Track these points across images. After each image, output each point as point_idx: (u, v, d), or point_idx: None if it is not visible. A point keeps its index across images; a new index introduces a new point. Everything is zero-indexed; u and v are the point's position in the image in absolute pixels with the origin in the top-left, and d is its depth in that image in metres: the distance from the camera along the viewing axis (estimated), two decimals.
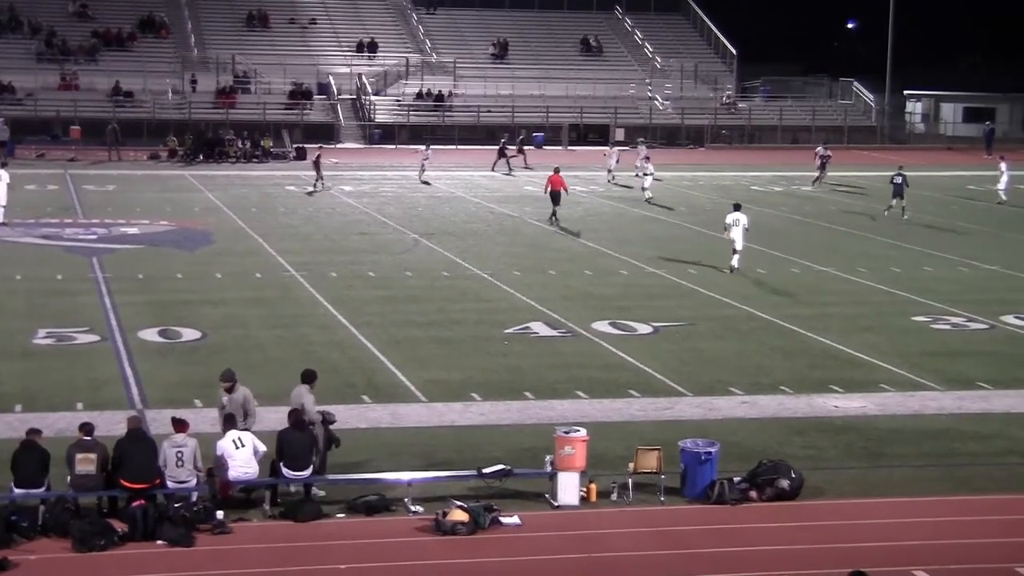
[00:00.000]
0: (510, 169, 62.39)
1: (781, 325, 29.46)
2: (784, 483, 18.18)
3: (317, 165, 54.88)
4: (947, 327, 29.53)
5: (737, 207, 37.58)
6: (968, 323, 29.89)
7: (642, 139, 69.66)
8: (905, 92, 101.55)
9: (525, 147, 68.81)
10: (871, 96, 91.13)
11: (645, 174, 53.91)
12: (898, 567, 15.72)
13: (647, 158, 55.93)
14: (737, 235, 36.43)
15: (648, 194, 52.11)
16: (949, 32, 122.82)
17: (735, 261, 36.21)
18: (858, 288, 34.43)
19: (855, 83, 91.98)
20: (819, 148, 61.38)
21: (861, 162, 71.35)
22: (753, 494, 18.09)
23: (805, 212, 50.37)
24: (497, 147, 64.17)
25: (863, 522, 17.43)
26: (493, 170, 62.37)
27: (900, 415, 22.56)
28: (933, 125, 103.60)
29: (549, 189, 46.02)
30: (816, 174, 59.18)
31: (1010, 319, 30.14)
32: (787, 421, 22.12)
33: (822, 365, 25.91)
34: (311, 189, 54.12)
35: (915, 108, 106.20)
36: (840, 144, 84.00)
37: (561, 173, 46.60)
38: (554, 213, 45.69)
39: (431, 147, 62.15)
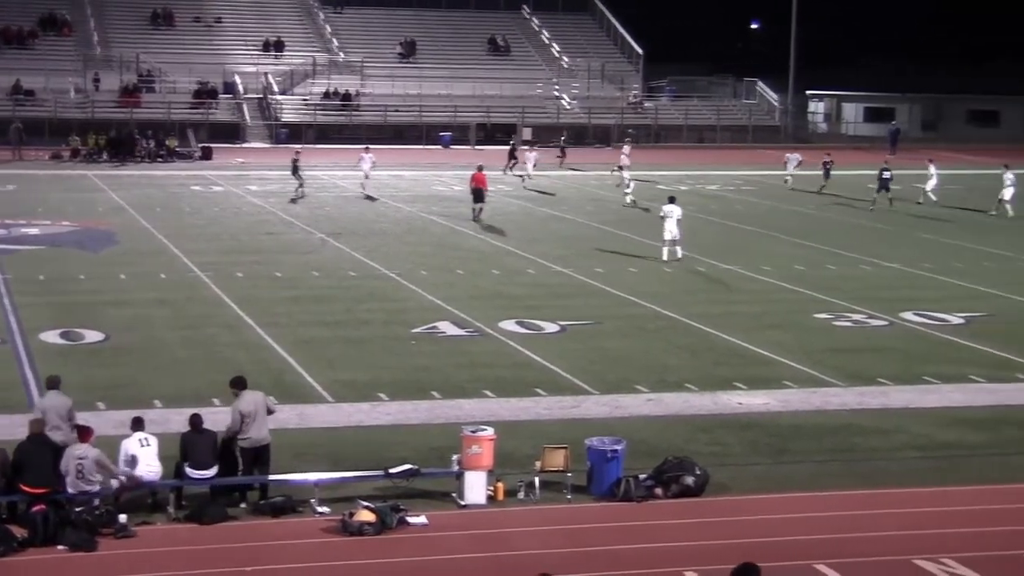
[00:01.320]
0: (509, 169, 61.97)
1: (687, 323, 29.72)
2: (689, 480, 18.34)
3: (295, 168, 52.49)
4: (849, 324, 29.95)
5: (672, 200, 38.86)
6: (869, 320, 30.33)
7: (628, 137, 69.92)
8: (808, 92, 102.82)
9: (566, 147, 68.58)
10: (775, 96, 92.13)
11: (619, 168, 54.97)
12: (801, 561, 15.93)
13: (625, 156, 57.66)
14: (672, 226, 37.71)
15: (629, 198, 51.49)
16: (851, 33, 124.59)
17: (675, 251, 37.72)
18: (763, 286, 34.81)
19: (759, 83, 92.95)
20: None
21: (765, 161, 72.00)
22: (659, 491, 18.23)
23: (711, 211, 50.79)
24: (507, 148, 64.35)
25: (767, 517, 17.63)
26: (505, 172, 61.55)
27: (803, 411, 22.84)
28: (835, 124, 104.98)
29: (472, 186, 46.40)
30: (823, 182, 58.11)
31: (909, 316, 30.62)
32: (692, 418, 22.31)
33: (727, 362, 26.17)
34: (294, 196, 51.62)
35: (818, 108, 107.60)
36: (744, 143, 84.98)
37: (484, 172, 47.14)
38: (479, 210, 46.05)
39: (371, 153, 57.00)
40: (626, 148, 62.33)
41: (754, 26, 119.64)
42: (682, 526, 17.33)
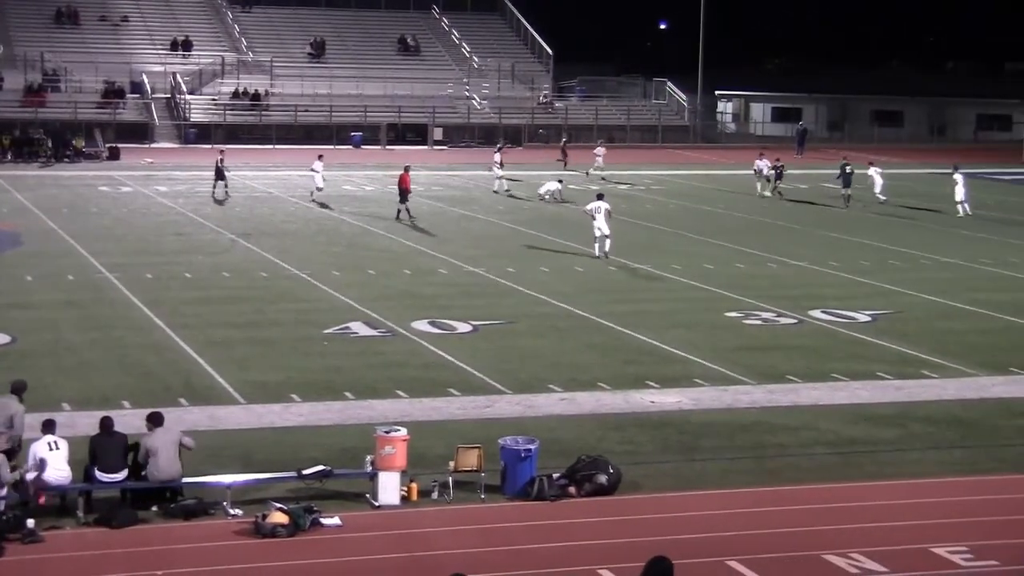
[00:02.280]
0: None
1: (598, 322, 29.86)
2: (602, 478, 18.43)
3: (219, 170, 51.33)
4: (758, 322, 30.24)
5: (600, 196, 39.75)
6: (778, 318, 30.64)
7: (602, 139, 70.49)
8: (717, 92, 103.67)
9: (568, 147, 68.66)
10: (684, 96, 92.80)
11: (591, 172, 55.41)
12: (712, 558, 16.06)
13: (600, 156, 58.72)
14: (601, 223, 38.33)
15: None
16: (758, 34, 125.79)
17: (606, 246, 38.42)
18: (673, 285, 35.06)
19: (668, 83, 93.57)
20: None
21: (675, 161, 72.60)
22: (572, 490, 18.30)
23: (621, 211, 50.93)
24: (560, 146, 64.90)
25: (679, 514, 17.77)
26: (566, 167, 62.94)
27: (714, 409, 23.03)
28: (743, 124, 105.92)
29: (399, 187, 46.53)
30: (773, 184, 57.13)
31: (817, 314, 30.98)
32: (605, 417, 22.42)
33: (638, 361, 26.32)
34: (222, 197, 50.85)
35: (726, 108, 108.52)
36: (654, 143, 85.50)
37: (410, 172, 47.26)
38: (406, 210, 46.06)
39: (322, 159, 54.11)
40: (600, 149, 63.41)
41: (663, 27, 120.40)
42: (595, 524, 17.40)
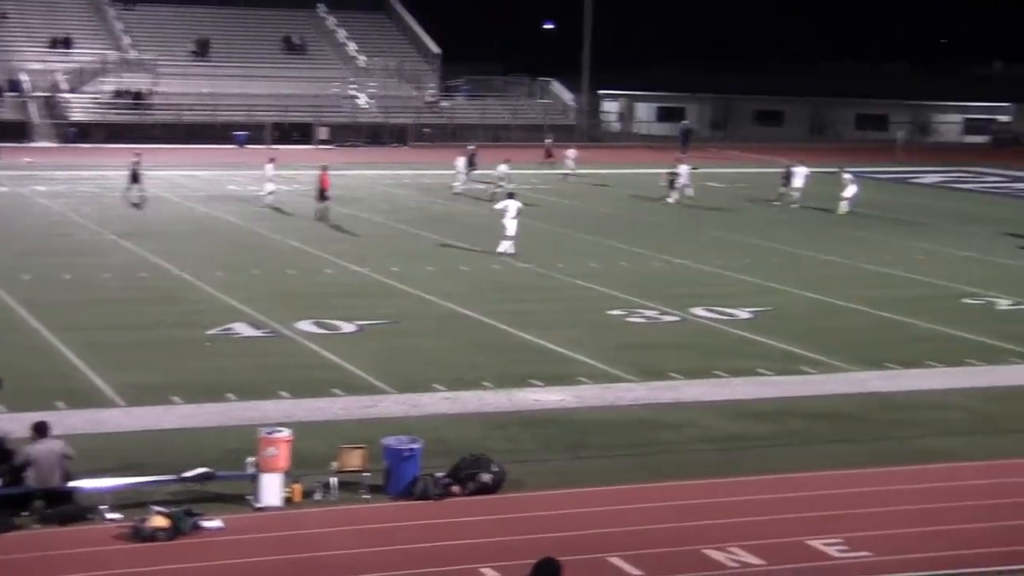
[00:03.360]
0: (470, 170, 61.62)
1: (483, 321, 29.94)
2: (486, 477, 18.49)
3: (135, 173, 49.63)
4: (641, 320, 30.51)
5: (511, 195, 40.14)
6: (661, 316, 30.94)
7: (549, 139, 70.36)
8: (601, 92, 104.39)
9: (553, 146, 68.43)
10: (569, 95, 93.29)
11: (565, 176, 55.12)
12: (596, 554, 16.18)
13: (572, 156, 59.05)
14: (509, 222, 38.75)
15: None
16: (643, 34, 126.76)
17: (508, 247, 38.69)
18: (557, 283, 35.25)
19: (554, 83, 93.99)
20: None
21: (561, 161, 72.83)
22: (456, 489, 18.34)
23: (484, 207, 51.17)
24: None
25: (563, 512, 17.86)
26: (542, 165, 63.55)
27: (598, 407, 23.19)
28: (628, 124, 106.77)
29: (318, 187, 46.27)
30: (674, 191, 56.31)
31: (699, 311, 31.34)
32: (489, 416, 22.48)
33: (523, 360, 26.43)
34: (137, 201, 48.99)
35: (611, 107, 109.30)
36: (539, 143, 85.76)
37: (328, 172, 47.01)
38: (324, 210, 45.90)
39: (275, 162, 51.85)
40: (572, 151, 63.62)
41: (548, 26, 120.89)
42: (479, 523, 17.45)
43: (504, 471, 18.73)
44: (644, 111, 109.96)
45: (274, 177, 50.65)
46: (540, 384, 24.41)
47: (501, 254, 38.70)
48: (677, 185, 54.18)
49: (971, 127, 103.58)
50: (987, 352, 27.65)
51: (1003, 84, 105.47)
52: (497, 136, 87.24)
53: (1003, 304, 33.28)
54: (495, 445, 20.42)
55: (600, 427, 21.92)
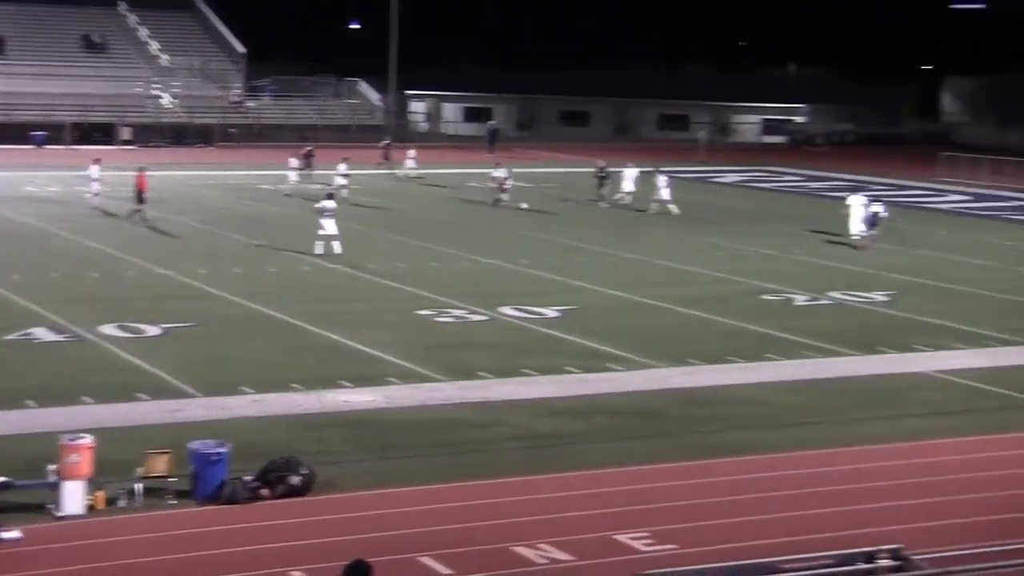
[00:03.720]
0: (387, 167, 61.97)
1: (290, 322, 29.72)
2: (295, 479, 18.37)
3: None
4: (450, 320, 30.63)
5: (330, 196, 40.25)
6: (469, 315, 31.10)
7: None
8: (408, 92, 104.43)
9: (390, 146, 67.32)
10: (376, 96, 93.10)
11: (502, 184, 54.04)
12: (406, 555, 16.20)
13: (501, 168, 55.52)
14: (329, 222, 38.75)
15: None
16: (449, 34, 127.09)
17: (334, 248, 38.63)
18: (365, 284, 35.17)
19: (361, 83, 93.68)
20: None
21: (367, 160, 72.61)
22: (265, 492, 18.18)
23: (306, 209, 50.90)
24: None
25: (373, 513, 17.84)
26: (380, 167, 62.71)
27: (407, 407, 23.21)
28: (436, 124, 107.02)
29: (135, 189, 45.27)
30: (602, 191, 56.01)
31: (507, 310, 31.58)
32: (298, 417, 22.34)
33: (331, 361, 26.32)
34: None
35: (418, 108, 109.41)
36: (347, 143, 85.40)
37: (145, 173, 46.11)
38: (140, 211, 44.78)
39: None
40: (412, 152, 64.34)
41: (354, 26, 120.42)
42: (289, 526, 17.32)
43: (314, 473, 18.64)
44: (451, 111, 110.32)
45: (100, 178, 49.55)
46: (349, 385, 24.34)
47: (320, 255, 38.53)
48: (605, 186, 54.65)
49: (769, 128, 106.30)
50: (785, 347, 28.43)
51: (799, 86, 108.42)
52: (304, 137, 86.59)
53: (800, 300, 34.24)
54: (305, 447, 20.30)
55: (410, 427, 21.95)
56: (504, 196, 53.09)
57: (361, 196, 56.73)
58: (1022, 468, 20.39)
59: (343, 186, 52.70)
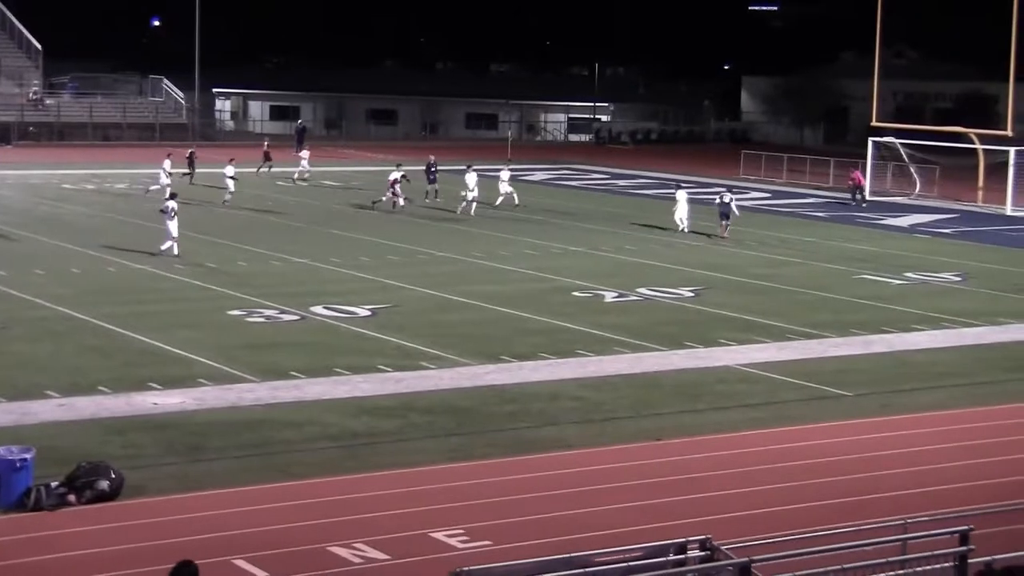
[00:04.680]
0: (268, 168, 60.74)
1: (97, 324, 29.12)
2: (104, 484, 18.02)
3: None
4: (261, 320, 30.35)
5: (173, 196, 39.70)
6: (281, 315, 30.85)
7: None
8: (215, 90, 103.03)
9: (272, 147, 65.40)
10: (181, 94, 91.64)
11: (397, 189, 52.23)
12: (219, 557, 16.00)
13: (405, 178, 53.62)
14: (172, 224, 38.09)
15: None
16: (256, 32, 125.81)
17: (171, 247, 38.02)
18: (175, 285, 34.63)
19: (165, 81, 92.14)
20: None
21: (175, 160, 71.44)
22: (72, 498, 17.80)
23: (119, 210, 49.98)
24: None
25: (185, 516, 17.60)
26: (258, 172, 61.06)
27: (218, 408, 22.94)
28: (242, 122, 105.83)
29: None
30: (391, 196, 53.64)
31: (319, 310, 31.42)
32: (106, 421, 21.91)
33: (140, 363, 25.86)
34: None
35: (224, 106, 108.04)
36: (152, 141, 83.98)
37: None
38: None
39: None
40: (305, 152, 63.23)
41: (156, 23, 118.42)
42: (98, 532, 16.99)
43: (123, 477, 18.32)
44: (258, 109, 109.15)
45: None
46: (159, 387, 23.96)
47: (162, 252, 38.06)
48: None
49: (575, 126, 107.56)
50: (596, 343, 28.83)
51: (603, 85, 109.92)
52: (107, 136, 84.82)
53: (609, 296, 34.75)
54: (113, 451, 19.94)
55: (221, 428, 21.71)
56: (400, 200, 51.60)
57: (160, 195, 55.85)
58: (824, 458, 21.04)
59: (231, 190, 52.29)
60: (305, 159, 62.95)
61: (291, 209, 51.83)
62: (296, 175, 61.69)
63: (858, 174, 61.48)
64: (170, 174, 52.84)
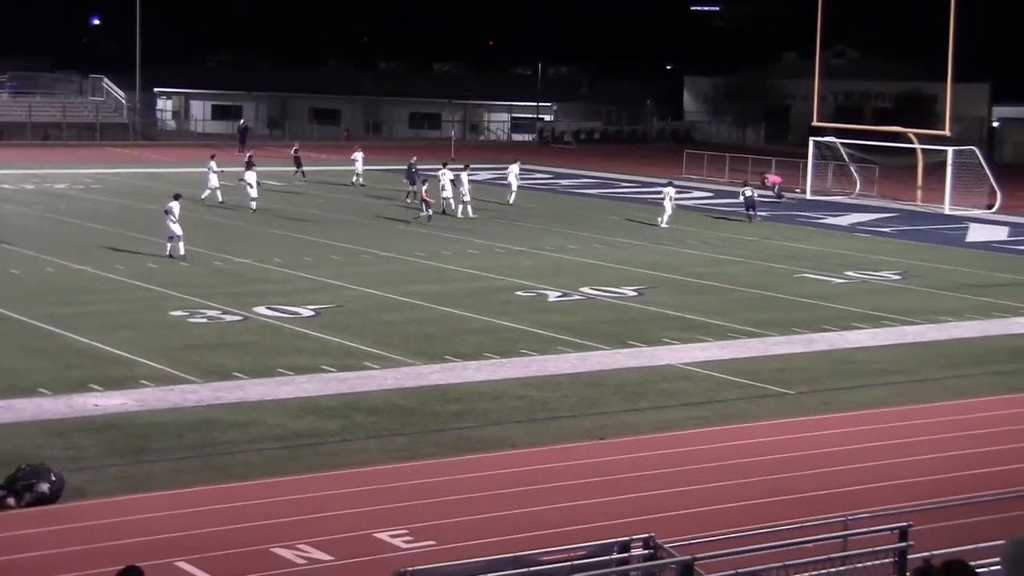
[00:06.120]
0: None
1: (37, 325, 28.86)
2: (44, 487, 17.87)
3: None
4: (204, 320, 30.19)
5: (177, 196, 39.39)
6: (223, 316, 30.71)
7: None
8: (156, 90, 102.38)
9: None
10: (122, 93, 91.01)
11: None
12: (161, 560, 15.90)
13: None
14: (174, 225, 38.06)
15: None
16: (197, 31, 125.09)
17: (178, 248, 38.16)
18: (116, 285, 34.39)
19: (105, 80, 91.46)
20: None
21: (114, 159, 71.07)
22: (11, 501, 17.64)
23: (60, 210, 49.57)
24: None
25: (127, 518, 17.49)
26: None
27: (161, 409, 22.80)
28: (184, 122, 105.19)
29: None
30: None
31: (262, 310, 31.30)
32: (47, 423, 21.72)
33: (81, 364, 25.67)
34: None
35: (166, 105, 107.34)
36: (93, 141, 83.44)
37: None
38: None
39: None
40: (357, 163, 62.02)
41: (96, 22, 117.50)
42: (39, 535, 16.85)
43: (64, 480, 18.17)
44: (199, 109, 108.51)
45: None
46: (100, 389, 23.79)
47: (171, 257, 37.97)
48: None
49: (518, 126, 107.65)
50: (539, 342, 28.88)
51: (547, 84, 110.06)
52: (47, 135, 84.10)
53: (552, 296, 34.81)
54: (54, 453, 19.78)
55: (164, 430, 21.58)
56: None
57: (100, 195, 55.45)
58: (767, 455, 21.18)
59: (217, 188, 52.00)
60: (359, 160, 62.16)
61: (232, 209, 51.52)
62: (353, 178, 61.78)
63: (771, 175, 61.95)
64: (217, 173, 52.46)
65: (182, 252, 38.26)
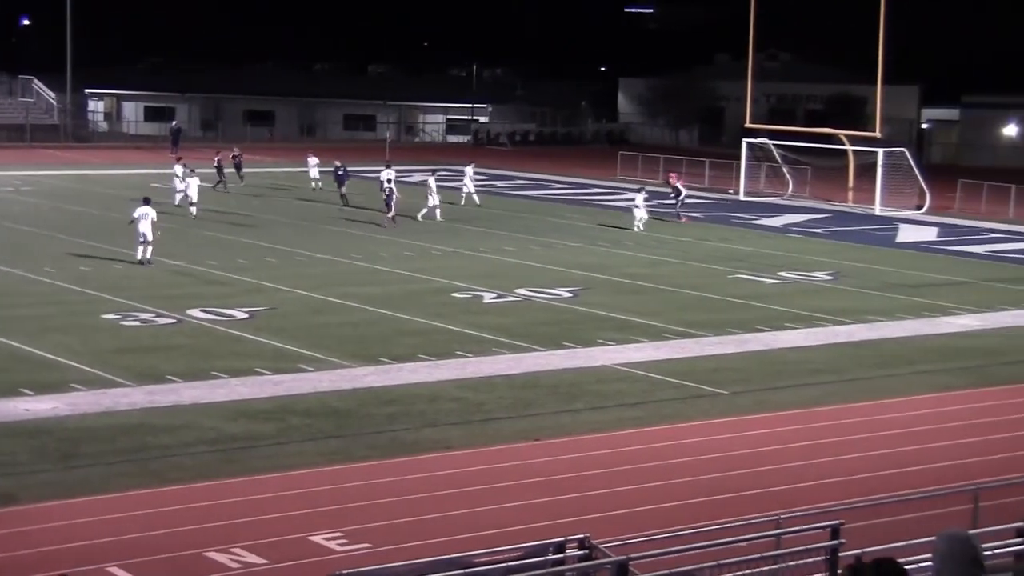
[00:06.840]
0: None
1: None
2: None
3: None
4: (137, 323, 29.97)
5: (147, 201, 38.80)
6: (157, 319, 30.49)
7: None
8: (87, 91, 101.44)
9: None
10: (53, 94, 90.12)
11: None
12: (94, 565, 15.80)
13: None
14: (145, 227, 37.56)
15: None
16: (129, 32, 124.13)
17: (147, 252, 37.69)
18: (47, 288, 34.06)
19: (35, 81, 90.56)
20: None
21: (45, 161, 70.40)
22: None
23: None
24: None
25: (58, 524, 17.33)
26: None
27: (92, 413, 22.61)
28: (116, 124, 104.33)
29: None
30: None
31: (196, 312, 31.11)
32: None
33: (11, 369, 25.39)
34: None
35: (98, 107, 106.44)
36: (23, 143, 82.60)
37: None
38: None
39: None
40: (312, 168, 60.41)
41: (26, 22, 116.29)
42: None
43: None
44: (131, 110, 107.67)
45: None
46: (31, 393, 23.56)
47: (140, 262, 37.46)
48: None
49: (453, 127, 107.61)
50: (474, 343, 28.89)
51: (481, 86, 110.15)
52: None
53: (488, 297, 34.84)
54: None
55: (96, 434, 21.40)
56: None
57: (30, 197, 54.91)
58: (701, 455, 21.32)
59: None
60: (314, 164, 61.09)
61: (165, 211, 51.13)
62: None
63: (673, 175, 61.27)
64: (181, 178, 51.47)
65: (149, 256, 37.86)
